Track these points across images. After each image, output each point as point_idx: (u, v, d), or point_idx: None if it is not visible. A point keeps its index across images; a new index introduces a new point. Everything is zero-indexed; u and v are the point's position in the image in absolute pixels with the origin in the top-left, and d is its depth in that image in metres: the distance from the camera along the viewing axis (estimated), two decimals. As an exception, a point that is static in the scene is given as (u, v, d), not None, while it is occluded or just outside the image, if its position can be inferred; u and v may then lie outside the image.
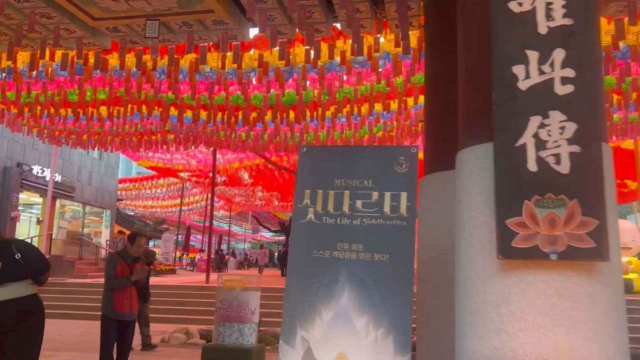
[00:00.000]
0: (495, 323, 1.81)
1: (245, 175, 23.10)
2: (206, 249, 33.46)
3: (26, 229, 20.34)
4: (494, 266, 1.84)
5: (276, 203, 32.43)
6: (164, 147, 13.65)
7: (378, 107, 9.24)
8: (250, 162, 20.33)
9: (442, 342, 2.88)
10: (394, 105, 8.98)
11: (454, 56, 2.36)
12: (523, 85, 1.84)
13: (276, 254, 40.05)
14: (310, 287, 2.58)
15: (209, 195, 31.90)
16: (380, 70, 6.99)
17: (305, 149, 2.88)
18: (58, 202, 20.63)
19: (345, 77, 7.66)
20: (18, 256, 3.38)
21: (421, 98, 8.16)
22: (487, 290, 1.85)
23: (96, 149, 14.52)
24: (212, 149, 17.09)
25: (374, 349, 2.42)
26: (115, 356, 5.37)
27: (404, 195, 2.63)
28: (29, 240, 17.08)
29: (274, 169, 22.64)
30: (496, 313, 1.81)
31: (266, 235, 63.30)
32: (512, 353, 1.75)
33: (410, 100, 8.67)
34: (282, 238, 56.82)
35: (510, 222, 1.77)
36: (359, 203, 2.67)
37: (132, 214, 39.64)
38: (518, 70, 1.85)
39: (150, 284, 14.44)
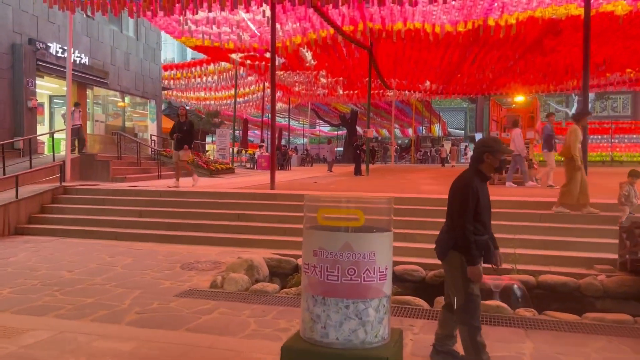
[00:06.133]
0: None
1: (309, 55, 19.08)
2: (265, 144, 30.51)
3: (61, 123, 17.56)
4: None
5: (340, 92, 28.66)
6: (205, 3, 9.86)
7: None
8: (316, 34, 16.21)
9: None
10: None
11: None
12: None
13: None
14: None
15: (265, 84, 28.34)
16: None
17: None
18: (90, 91, 17.48)
19: None
20: None
21: None
22: None
23: (121, 13, 10.89)
24: (269, 16, 13.07)
25: None
26: None
27: None
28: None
29: (342, 46, 18.59)
30: None
31: (325, 129, 60.19)
32: None
33: None
34: (343, 132, 53.28)
35: None
36: None
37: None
38: None
39: (203, 190, 11.16)
